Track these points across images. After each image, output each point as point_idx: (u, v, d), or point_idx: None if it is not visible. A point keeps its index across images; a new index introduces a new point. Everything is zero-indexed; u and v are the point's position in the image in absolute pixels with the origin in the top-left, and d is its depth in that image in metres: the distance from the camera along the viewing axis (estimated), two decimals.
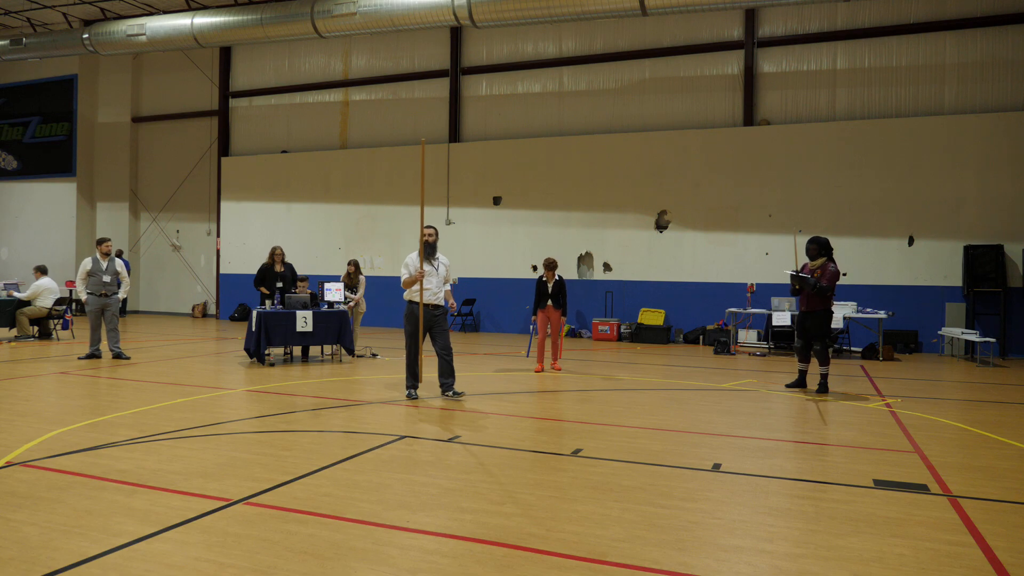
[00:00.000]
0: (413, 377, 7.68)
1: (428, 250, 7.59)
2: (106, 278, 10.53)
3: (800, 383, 8.78)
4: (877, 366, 11.68)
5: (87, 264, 10.54)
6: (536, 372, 10.07)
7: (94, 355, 10.52)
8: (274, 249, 11.51)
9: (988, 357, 12.83)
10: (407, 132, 18.70)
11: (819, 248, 8.51)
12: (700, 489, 4.52)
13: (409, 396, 7.62)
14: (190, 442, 5.53)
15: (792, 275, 8.47)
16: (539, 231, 16.96)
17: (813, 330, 8.47)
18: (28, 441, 5.42)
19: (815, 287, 8.26)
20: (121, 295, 10.79)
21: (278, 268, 11.38)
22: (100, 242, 10.74)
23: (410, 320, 7.56)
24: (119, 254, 20.31)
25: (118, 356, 10.60)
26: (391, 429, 6.11)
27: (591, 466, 5.01)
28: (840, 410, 7.52)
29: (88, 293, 10.48)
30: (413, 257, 7.59)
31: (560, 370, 10.27)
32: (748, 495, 4.42)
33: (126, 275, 10.98)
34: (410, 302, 7.56)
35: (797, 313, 8.84)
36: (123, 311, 20.15)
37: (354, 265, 11.83)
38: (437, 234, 7.74)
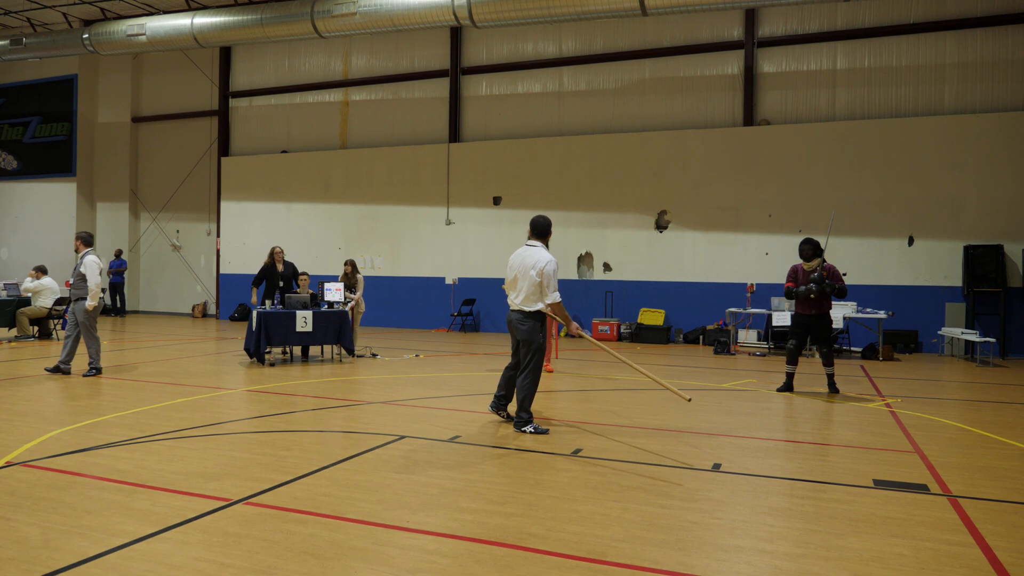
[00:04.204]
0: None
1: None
2: (73, 279, 8.83)
3: (789, 387, 8.64)
4: (877, 366, 11.67)
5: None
6: None
7: (57, 369, 8.84)
8: (274, 249, 11.56)
9: (988, 357, 12.83)
10: (407, 132, 18.69)
11: (813, 249, 8.47)
12: (700, 489, 4.51)
13: (541, 430, 6.15)
14: (190, 442, 5.53)
15: (814, 284, 8.20)
16: None
17: (824, 332, 8.43)
18: (28, 441, 5.42)
19: (835, 289, 8.22)
20: (88, 303, 8.59)
21: (279, 268, 11.45)
22: None
23: (542, 335, 6.31)
24: (118, 254, 20.30)
25: (55, 369, 8.87)
26: (391, 429, 6.11)
27: (591, 466, 5.01)
28: (840, 410, 7.51)
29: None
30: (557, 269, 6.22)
31: (551, 371, 10.18)
32: (748, 495, 4.42)
33: (93, 275, 8.65)
34: (540, 312, 6.23)
35: (797, 315, 8.62)
36: (122, 311, 20.02)
37: (351, 265, 11.84)
38: None
